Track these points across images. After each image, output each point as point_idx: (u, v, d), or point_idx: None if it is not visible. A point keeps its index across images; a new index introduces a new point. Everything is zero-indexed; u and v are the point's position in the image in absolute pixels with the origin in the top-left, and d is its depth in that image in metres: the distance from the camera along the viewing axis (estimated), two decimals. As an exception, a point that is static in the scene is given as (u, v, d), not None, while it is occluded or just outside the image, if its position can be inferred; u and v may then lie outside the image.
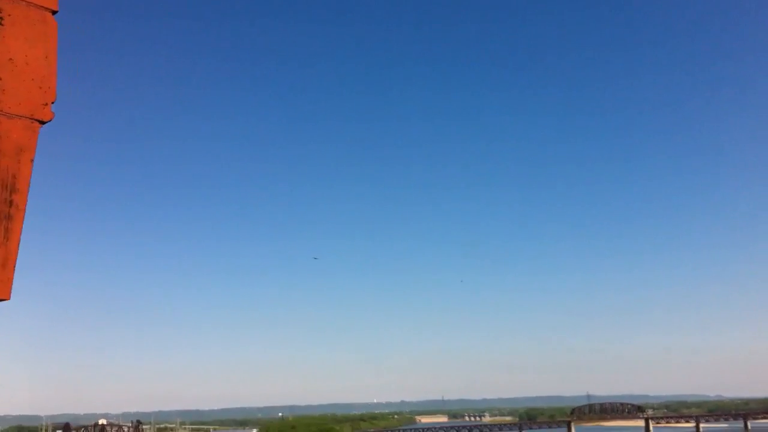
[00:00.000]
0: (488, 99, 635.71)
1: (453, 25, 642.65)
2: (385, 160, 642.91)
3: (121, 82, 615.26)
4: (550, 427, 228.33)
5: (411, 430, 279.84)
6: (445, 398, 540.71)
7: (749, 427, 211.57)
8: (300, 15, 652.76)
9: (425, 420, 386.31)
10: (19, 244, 3.33)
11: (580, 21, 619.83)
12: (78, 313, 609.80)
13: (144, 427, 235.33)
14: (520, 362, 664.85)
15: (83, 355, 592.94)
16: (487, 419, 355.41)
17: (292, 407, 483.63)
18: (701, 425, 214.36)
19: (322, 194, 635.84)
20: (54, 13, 3.74)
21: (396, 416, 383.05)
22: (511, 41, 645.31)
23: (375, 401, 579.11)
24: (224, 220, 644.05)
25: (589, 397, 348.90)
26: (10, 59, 3.52)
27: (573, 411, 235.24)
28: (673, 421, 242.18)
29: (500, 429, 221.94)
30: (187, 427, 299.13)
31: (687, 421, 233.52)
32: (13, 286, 2.90)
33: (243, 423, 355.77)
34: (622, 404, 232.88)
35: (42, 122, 3.57)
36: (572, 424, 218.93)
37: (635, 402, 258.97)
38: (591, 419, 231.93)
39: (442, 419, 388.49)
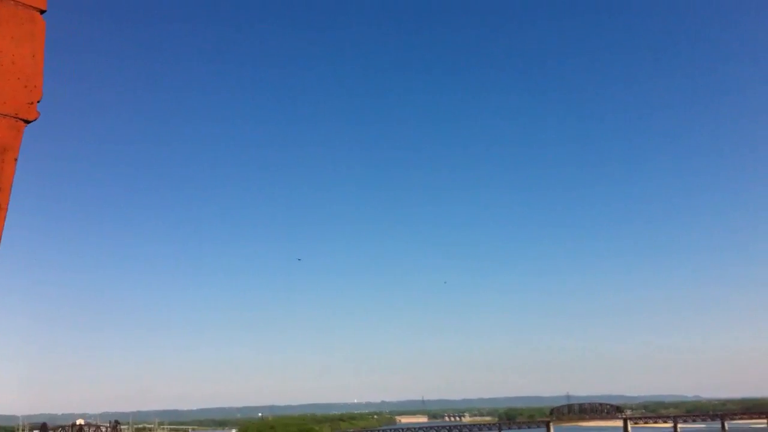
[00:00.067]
0: (486, 102, 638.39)
1: (452, 29, 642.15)
2: (379, 162, 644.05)
3: (116, 83, 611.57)
4: (529, 427, 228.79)
5: (390, 430, 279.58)
6: (426, 398, 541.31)
7: (726, 427, 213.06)
8: (297, 18, 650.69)
9: (405, 420, 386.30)
10: (0, 242, 3.31)
11: (579, 25, 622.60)
12: (56, 312, 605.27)
13: (122, 427, 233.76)
14: (500, 363, 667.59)
15: (61, 355, 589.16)
16: (466, 419, 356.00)
17: (271, 407, 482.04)
18: (679, 425, 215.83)
19: (309, 196, 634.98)
20: (42, 12, 3.70)
21: (376, 416, 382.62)
22: (509, 45, 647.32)
23: (355, 401, 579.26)
24: (207, 221, 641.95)
25: (568, 397, 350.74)
26: (-3, 58, 3.49)
27: (552, 411, 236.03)
28: (651, 421, 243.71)
29: (479, 429, 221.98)
30: (165, 427, 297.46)
31: (665, 422, 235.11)
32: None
33: (222, 423, 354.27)
34: (600, 404, 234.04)
35: (27, 121, 3.54)
36: (551, 424, 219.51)
37: (614, 402, 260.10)
38: (570, 419, 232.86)
39: (422, 419, 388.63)
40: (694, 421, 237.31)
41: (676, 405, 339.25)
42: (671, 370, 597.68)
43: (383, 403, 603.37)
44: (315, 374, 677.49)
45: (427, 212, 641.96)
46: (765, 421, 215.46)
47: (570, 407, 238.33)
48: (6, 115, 3.48)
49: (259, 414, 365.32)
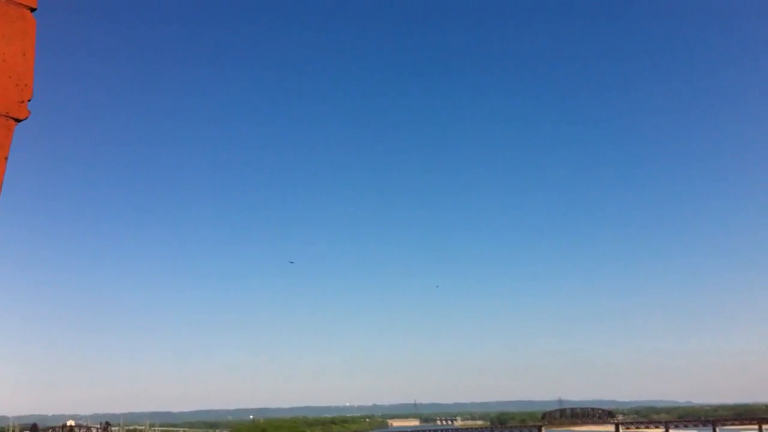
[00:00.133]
0: (479, 106, 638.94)
1: (447, 32, 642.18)
2: (371, 165, 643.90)
3: (110, 83, 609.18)
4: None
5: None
6: (418, 402, 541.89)
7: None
8: (290, 20, 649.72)
9: (397, 423, 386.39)
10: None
11: (575, 28, 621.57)
12: (48, 313, 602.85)
13: (113, 428, 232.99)
14: (493, 367, 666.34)
15: (52, 356, 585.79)
16: (458, 423, 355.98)
17: (263, 410, 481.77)
18: (671, 431, 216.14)
19: (302, 199, 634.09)
20: (33, 10, 3.67)
21: (368, 420, 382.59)
22: (503, 49, 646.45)
23: (347, 404, 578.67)
24: (198, 224, 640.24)
25: (560, 401, 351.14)
26: (-13, 55, 3.42)
27: (544, 415, 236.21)
28: (642, 426, 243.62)
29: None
30: (156, 428, 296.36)
31: (656, 427, 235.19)
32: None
33: (213, 425, 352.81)
34: (592, 409, 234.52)
35: (17, 120, 3.50)
36: (543, 429, 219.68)
37: (606, 407, 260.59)
38: (562, 424, 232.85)
39: (414, 423, 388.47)
40: (685, 426, 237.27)
41: (667, 410, 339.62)
42: (663, 376, 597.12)
43: (375, 406, 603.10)
44: (307, 377, 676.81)
45: (421, 216, 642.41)
46: (756, 427, 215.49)
47: (562, 412, 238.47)
48: (-4, 113, 3.36)
49: (251, 416, 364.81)
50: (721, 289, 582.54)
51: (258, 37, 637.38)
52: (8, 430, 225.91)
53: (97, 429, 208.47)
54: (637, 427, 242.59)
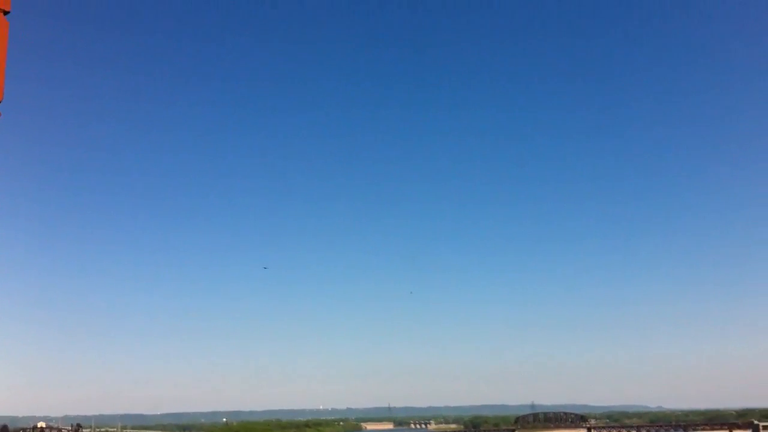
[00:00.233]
0: (460, 119, 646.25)
1: (447, 18, 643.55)
2: (350, 173, 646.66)
3: (100, 87, 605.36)
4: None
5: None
6: (392, 406, 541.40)
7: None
8: (283, 29, 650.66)
9: (370, 427, 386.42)
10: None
11: (578, 19, 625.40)
12: (20, 315, 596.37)
13: (84, 430, 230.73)
14: (466, 371, 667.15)
15: (24, 357, 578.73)
16: (432, 427, 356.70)
17: (236, 413, 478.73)
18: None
19: (279, 206, 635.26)
20: (6, 13, 3.71)
21: (341, 423, 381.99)
22: (494, 63, 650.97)
23: (321, 408, 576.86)
24: (176, 230, 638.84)
25: (533, 406, 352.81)
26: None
27: (517, 419, 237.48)
28: (614, 430, 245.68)
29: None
30: (128, 431, 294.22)
31: (628, 431, 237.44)
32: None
33: (186, 428, 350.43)
34: (565, 413, 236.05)
35: None
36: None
37: (578, 412, 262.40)
38: (535, 428, 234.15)
39: (388, 426, 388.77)
40: (657, 431, 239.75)
41: (639, 415, 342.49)
42: (635, 381, 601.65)
43: (349, 410, 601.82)
44: (281, 380, 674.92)
45: (396, 224, 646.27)
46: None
47: (535, 416, 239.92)
48: (-34, 115, 2.72)
49: (224, 419, 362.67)
50: (692, 298, 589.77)
51: (244, 48, 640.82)
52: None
53: (69, 431, 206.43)
54: (609, 431, 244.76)
